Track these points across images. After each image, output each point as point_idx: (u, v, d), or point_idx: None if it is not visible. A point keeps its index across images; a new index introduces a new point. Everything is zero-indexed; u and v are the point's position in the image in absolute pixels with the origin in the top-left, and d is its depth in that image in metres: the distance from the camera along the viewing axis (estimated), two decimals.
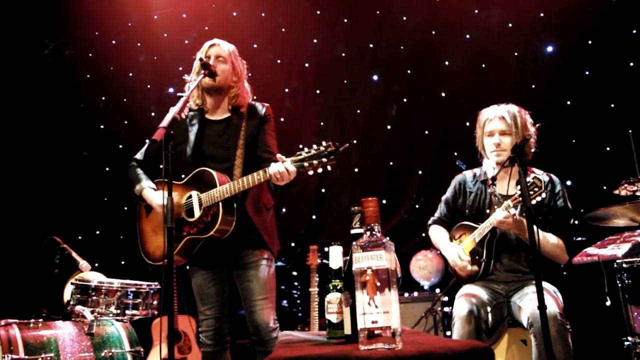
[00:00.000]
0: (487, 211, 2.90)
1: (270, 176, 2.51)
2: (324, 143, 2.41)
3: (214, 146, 2.83)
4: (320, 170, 2.43)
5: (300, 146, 2.54)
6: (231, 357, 2.96)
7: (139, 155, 2.96)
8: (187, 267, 2.91)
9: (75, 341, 2.75)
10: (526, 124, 2.86)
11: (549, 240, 2.72)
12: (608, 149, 4.77)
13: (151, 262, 2.87)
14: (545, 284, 2.57)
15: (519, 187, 2.46)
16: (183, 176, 2.86)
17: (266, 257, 2.83)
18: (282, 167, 2.48)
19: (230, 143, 2.79)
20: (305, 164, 2.44)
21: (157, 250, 2.84)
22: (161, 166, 2.71)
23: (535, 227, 2.62)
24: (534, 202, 2.51)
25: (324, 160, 2.40)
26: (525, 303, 2.59)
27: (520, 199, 2.55)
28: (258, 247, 2.81)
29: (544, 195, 2.54)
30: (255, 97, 3.04)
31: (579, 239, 3.67)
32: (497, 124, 2.85)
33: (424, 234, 4.81)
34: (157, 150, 2.84)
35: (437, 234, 3.09)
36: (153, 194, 2.80)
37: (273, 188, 2.72)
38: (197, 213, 2.69)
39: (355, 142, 5.49)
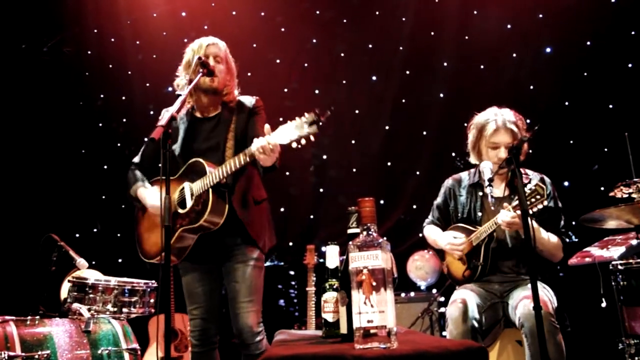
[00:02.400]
0: (480, 214, 2.90)
1: (254, 154, 2.45)
2: (306, 114, 2.33)
3: (205, 142, 2.80)
4: (303, 142, 2.34)
5: (281, 119, 2.46)
6: (223, 356, 2.93)
7: (136, 159, 2.96)
8: (179, 265, 2.87)
9: (72, 339, 2.75)
10: (523, 127, 2.83)
11: (550, 239, 2.73)
12: (606, 150, 4.79)
13: (147, 261, 2.84)
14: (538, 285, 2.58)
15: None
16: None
17: (255, 256, 2.77)
18: (263, 141, 2.40)
19: (221, 137, 2.77)
20: None
21: (153, 247, 2.82)
22: (160, 165, 2.73)
23: (537, 225, 2.64)
24: (535, 209, 2.50)
25: (307, 130, 2.33)
26: (518, 303, 2.60)
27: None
28: (246, 244, 2.75)
29: (545, 203, 2.52)
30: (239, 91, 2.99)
31: (575, 240, 3.69)
32: (505, 136, 2.77)
33: (421, 234, 4.81)
34: (153, 150, 2.85)
35: (431, 230, 3.10)
36: (145, 193, 2.79)
37: (262, 173, 2.66)
38: (189, 203, 2.66)
39: (353, 142, 5.50)
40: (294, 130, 2.36)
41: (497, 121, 2.79)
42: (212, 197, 2.59)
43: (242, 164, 2.53)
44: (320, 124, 2.30)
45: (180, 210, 2.69)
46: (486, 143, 2.83)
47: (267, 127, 2.44)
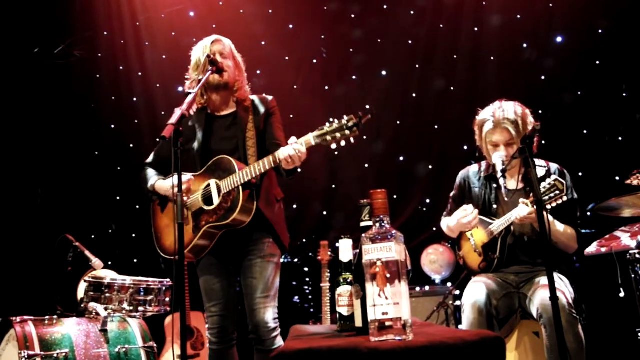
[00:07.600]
0: (495, 206, 2.87)
1: (281, 160, 2.49)
2: (345, 117, 2.39)
3: (222, 140, 2.83)
4: (343, 143, 2.39)
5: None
6: (242, 353, 2.93)
7: (149, 159, 2.98)
8: (195, 262, 2.88)
9: (90, 337, 2.79)
10: (527, 122, 2.76)
11: (565, 230, 2.70)
12: (620, 139, 4.72)
13: (167, 257, 2.84)
14: (555, 275, 2.56)
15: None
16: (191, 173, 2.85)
17: (274, 253, 2.80)
18: (290, 150, 2.45)
19: (239, 136, 2.78)
20: (328, 137, 2.41)
21: (173, 245, 2.80)
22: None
23: (552, 218, 2.61)
24: (554, 204, 2.47)
25: (347, 132, 2.37)
26: (535, 294, 2.58)
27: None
28: (269, 241, 2.78)
29: (565, 198, 2.49)
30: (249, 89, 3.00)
31: (590, 230, 3.65)
32: (501, 135, 2.74)
33: (434, 228, 4.79)
34: (168, 150, 2.87)
35: (445, 220, 3.08)
36: (165, 184, 2.79)
37: (285, 175, 2.68)
38: (216, 200, 2.66)
39: (364, 137, 5.49)
40: (333, 133, 2.40)
41: (493, 120, 2.76)
42: (243, 195, 2.60)
43: (267, 168, 2.55)
44: (360, 126, 2.36)
45: (206, 207, 2.70)
46: (487, 142, 2.83)
47: (293, 138, 2.48)
